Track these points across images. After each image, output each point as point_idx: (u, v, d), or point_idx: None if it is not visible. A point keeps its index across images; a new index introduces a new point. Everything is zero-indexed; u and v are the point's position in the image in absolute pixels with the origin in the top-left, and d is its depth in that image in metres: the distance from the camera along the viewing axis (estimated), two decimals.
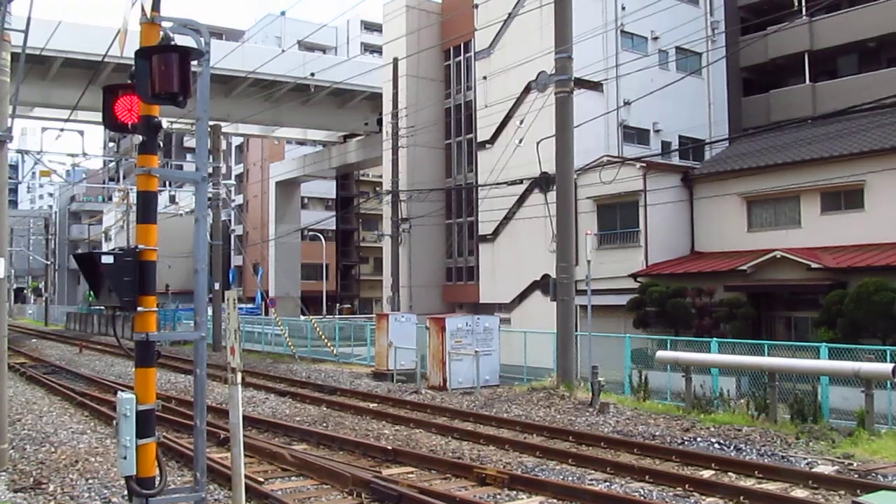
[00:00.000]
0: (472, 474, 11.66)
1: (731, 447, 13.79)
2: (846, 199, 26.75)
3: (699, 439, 14.48)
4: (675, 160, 35.14)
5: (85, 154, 43.72)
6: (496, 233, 37.56)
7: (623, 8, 34.41)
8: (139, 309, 6.91)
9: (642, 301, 28.00)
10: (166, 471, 7.52)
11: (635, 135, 35.25)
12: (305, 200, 73.94)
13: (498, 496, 10.83)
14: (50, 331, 60.20)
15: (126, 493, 7.39)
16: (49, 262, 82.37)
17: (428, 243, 43.16)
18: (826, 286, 24.07)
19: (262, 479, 11.47)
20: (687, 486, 11.03)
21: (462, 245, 43.29)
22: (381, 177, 54.25)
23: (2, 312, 12.28)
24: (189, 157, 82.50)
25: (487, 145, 38.10)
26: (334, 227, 71.24)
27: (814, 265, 24.62)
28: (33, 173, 54.34)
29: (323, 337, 33.64)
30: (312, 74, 46.05)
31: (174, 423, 16.29)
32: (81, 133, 39.88)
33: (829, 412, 16.55)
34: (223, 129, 45.02)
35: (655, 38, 35.41)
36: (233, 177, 75.83)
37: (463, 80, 43.66)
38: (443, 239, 44.15)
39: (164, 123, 7.50)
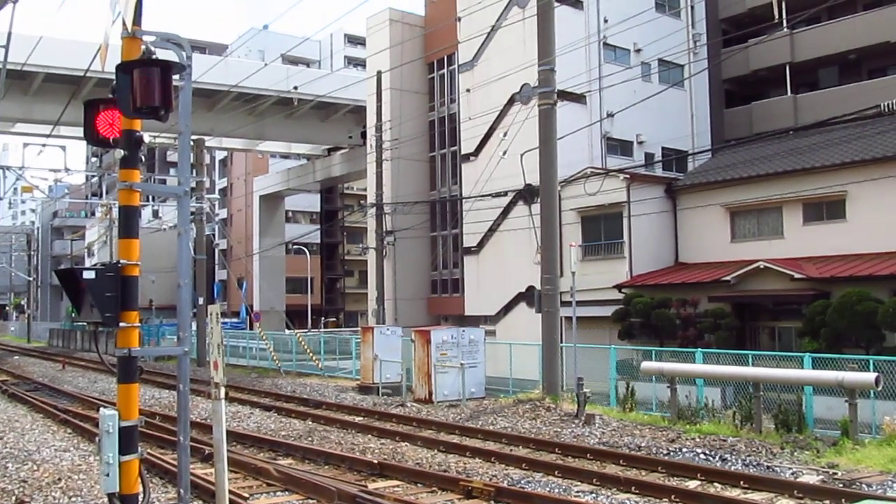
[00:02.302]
0: (459, 487, 11.63)
1: (717, 457, 13.82)
2: (828, 209, 26.93)
3: (685, 450, 14.50)
4: (659, 171, 35.28)
5: (67, 169, 43.40)
6: (481, 245, 37.56)
7: (605, 20, 34.58)
8: (121, 324, 6.87)
9: (627, 312, 28.05)
10: (149, 487, 7.47)
11: (619, 146, 35.38)
12: (290, 214, 73.73)
13: None
14: (32, 347, 59.74)
15: None
16: (31, 279, 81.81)
17: (413, 256, 43.13)
18: (809, 296, 24.18)
19: (247, 495, 11.40)
20: (673, 496, 11.04)
21: (447, 257, 43.28)
22: (365, 190, 54.22)
23: None
24: (172, 171, 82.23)
25: (471, 158, 38.13)
26: (319, 241, 71.08)
27: (797, 275, 24.73)
28: (15, 189, 54.10)
29: (308, 351, 33.52)
30: (296, 88, 45.99)
31: (158, 438, 16.18)
32: (64, 148, 39.64)
33: (814, 422, 16.62)
34: (207, 144, 44.88)
35: (638, 51, 35.61)
36: (217, 191, 75.63)
37: (446, 93, 43.76)
38: (428, 251, 44.14)
39: (147, 138, 7.46)
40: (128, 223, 7.07)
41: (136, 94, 6.59)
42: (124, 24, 7.09)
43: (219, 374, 8.03)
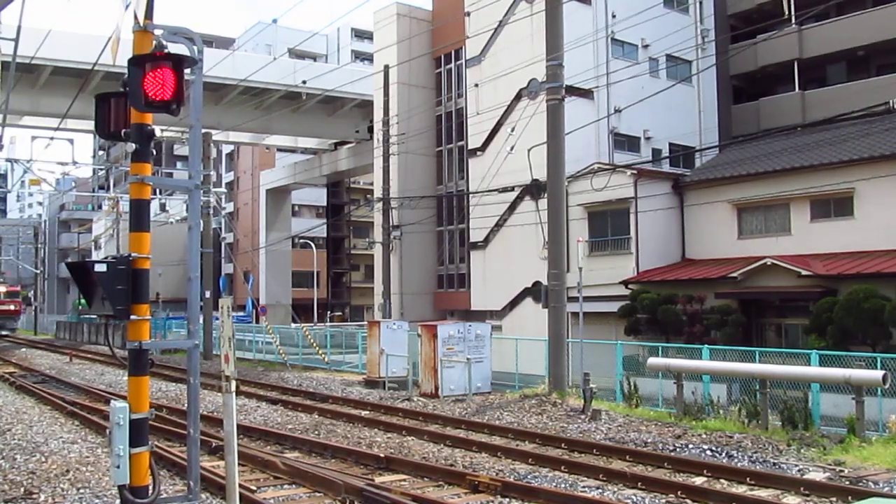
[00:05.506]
0: (465, 482, 11.65)
1: (723, 454, 13.83)
2: (836, 206, 26.86)
3: (691, 446, 14.51)
4: (666, 167, 35.23)
5: (75, 163, 43.44)
6: (487, 240, 37.57)
7: (613, 16, 34.50)
8: (132, 317, 6.89)
9: (633, 308, 28.02)
10: (159, 479, 7.50)
11: (626, 142, 35.32)
12: (296, 208, 73.79)
13: (491, 503, 10.83)
14: (40, 340, 59.91)
15: (119, 502, 7.36)
16: (38, 271, 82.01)
17: (419, 251, 43.13)
18: (816, 293, 24.14)
19: (254, 488, 11.44)
20: (679, 492, 11.05)
21: (453, 252, 43.26)
22: (371, 184, 54.24)
23: None
24: (179, 164, 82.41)
25: (478, 152, 38.14)
26: (325, 235, 71.13)
27: (804, 272, 24.69)
28: (23, 182, 54.15)
29: (314, 345, 33.58)
30: (304, 82, 46.01)
31: (165, 431, 16.23)
32: (71, 141, 39.60)
33: (820, 419, 16.60)
34: (214, 137, 44.94)
35: (646, 46, 35.53)
36: (223, 185, 75.68)
37: (454, 88, 43.68)
38: (434, 246, 44.12)
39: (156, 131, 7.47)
40: (139, 216, 7.09)
41: (147, 88, 6.61)
42: (135, 17, 7.11)
43: (229, 367, 8.04)
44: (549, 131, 21.83)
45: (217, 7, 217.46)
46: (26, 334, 70.10)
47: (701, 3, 38.03)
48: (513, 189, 34.83)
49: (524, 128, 32.50)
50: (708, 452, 14.00)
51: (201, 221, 36.01)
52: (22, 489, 11.57)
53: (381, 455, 13.44)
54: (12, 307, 62.95)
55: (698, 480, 11.92)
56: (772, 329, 26.84)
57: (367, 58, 68.25)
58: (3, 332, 60.17)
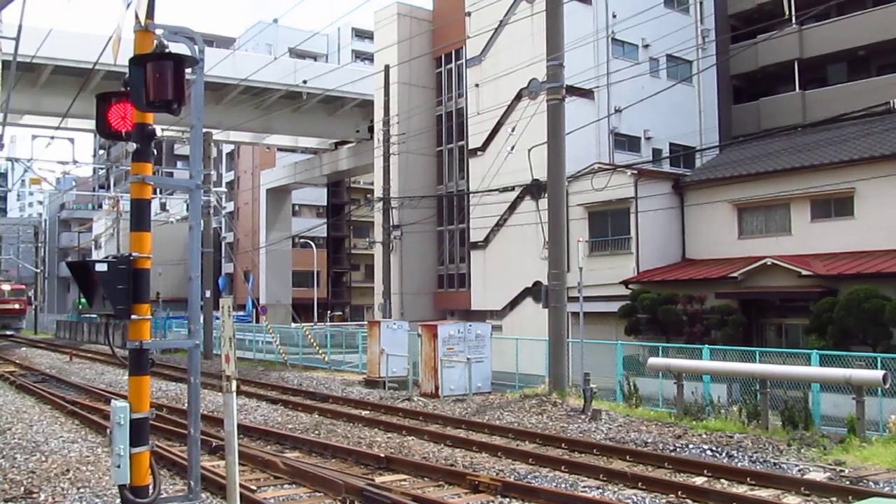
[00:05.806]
0: (465, 482, 11.65)
1: (723, 454, 13.83)
2: (836, 206, 26.86)
3: (691, 446, 14.51)
4: (666, 167, 35.23)
5: (75, 162, 43.45)
6: (487, 240, 37.57)
7: (614, 16, 34.50)
8: (133, 317, 6.89)
9: (634, 308, 28.02)
10: (160, 479, 7.50)
11: (626, 142, 35.32)
12: (296, 208, 73.75)
13: (491, 503, 10.83)
14: (40, 339, 59.88)
15: (119, 501, 7.36)
16: (39, 271, 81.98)
17: (419, 250, 43.13)
18: (817, 293, 24.14)
19: (254, 488, 11.44)
20: (679, 492, 11.05)
21: (454, 252, 43.25)
22: (372, 184, 54.26)
23: None
24: (180, 164, 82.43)
25: (479, 152, 38.13)
26: (325, 235, 71.15)
27: (804, 272, 24.69)
28: (23, 181, 54.09)
29: (314, 344, 33.57)
30: (304, 82, 46.01)
31: (166, 431, 16.23)
32: (72, 141, 39.61)
33: (820, 419, 16.61)
34: (214, 137, 44.93)
35: (646, 46, 35.54)
36: (224, 184, 75.65)
37: (454, 88, 43.69)
38: (434, 246, 44.12)
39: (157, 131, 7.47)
40: (140, 216, 7.09)
41: (149, 87, 6.61)
42: (137, 17, 7.11)
43: (230, 367, 8.04)
44: (549, 131, 21.83)
45: (217, 7, 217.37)
46: (27, 333, 70.08)
47: (701, 3, 38.04)
48: (513, 189, 34.84)
49: (524, 128, 32.50)
50: (708, 452, 14.00)
51: (202, 221, 36.01)
52: (22, 488, 11.57)
53: (382, 455, 13.44)
54: (17, 306, 62.11)
55: (698, 480, 11.92)
56: (772, 329, 26.85)
57: (367, 57, 68.26)
58: (8, 332, 59.63)
